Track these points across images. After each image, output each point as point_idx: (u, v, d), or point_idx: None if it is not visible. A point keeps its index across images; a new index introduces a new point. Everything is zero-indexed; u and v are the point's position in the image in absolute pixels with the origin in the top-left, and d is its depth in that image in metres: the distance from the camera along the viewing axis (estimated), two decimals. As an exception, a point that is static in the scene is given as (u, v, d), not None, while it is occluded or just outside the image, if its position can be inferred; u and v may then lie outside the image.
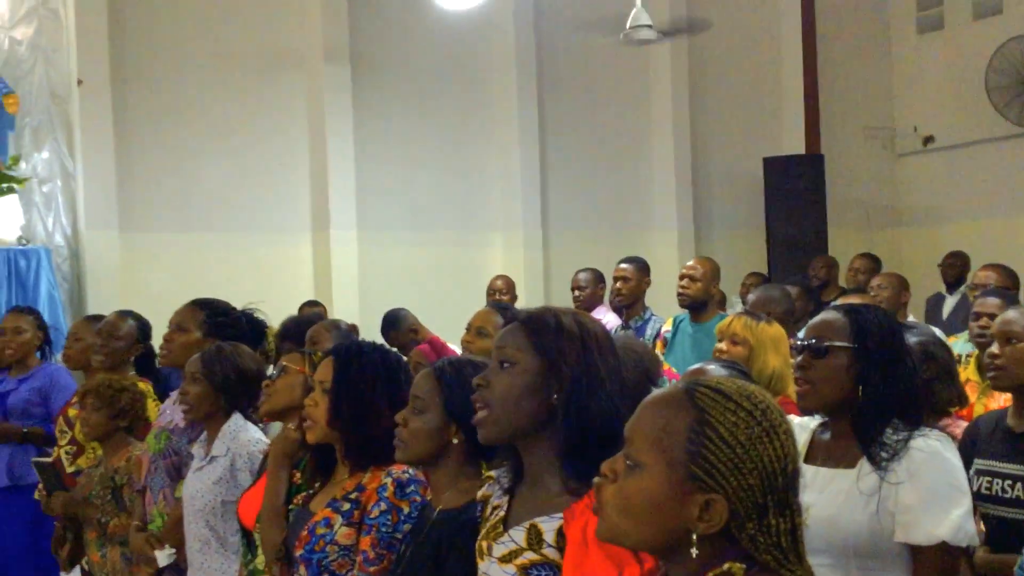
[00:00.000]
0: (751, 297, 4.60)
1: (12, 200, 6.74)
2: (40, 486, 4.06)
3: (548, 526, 1.73)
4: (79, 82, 7.22)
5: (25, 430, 4.64)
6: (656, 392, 1.41)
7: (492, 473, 1.91)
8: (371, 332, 5.20)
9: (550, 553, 1.72)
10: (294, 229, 8.08)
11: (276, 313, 4.31)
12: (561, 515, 1.71)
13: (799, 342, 2.30)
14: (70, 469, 4.05)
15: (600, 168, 9.27)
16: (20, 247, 6.63)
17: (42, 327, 4.88)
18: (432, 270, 8.37)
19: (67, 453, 4.11)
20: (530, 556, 1.74)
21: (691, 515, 1.30)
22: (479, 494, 1.94)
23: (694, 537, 1.30)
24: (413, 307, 5.83)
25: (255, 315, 3.74)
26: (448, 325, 5.51)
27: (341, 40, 8.04)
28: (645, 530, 1.32)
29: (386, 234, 8.27)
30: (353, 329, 4.74)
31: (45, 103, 7.24)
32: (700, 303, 4.96)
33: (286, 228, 8.05)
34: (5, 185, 6.52)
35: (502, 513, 1.83)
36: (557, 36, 8.92)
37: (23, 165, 6.90)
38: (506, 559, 1.77)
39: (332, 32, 8.01)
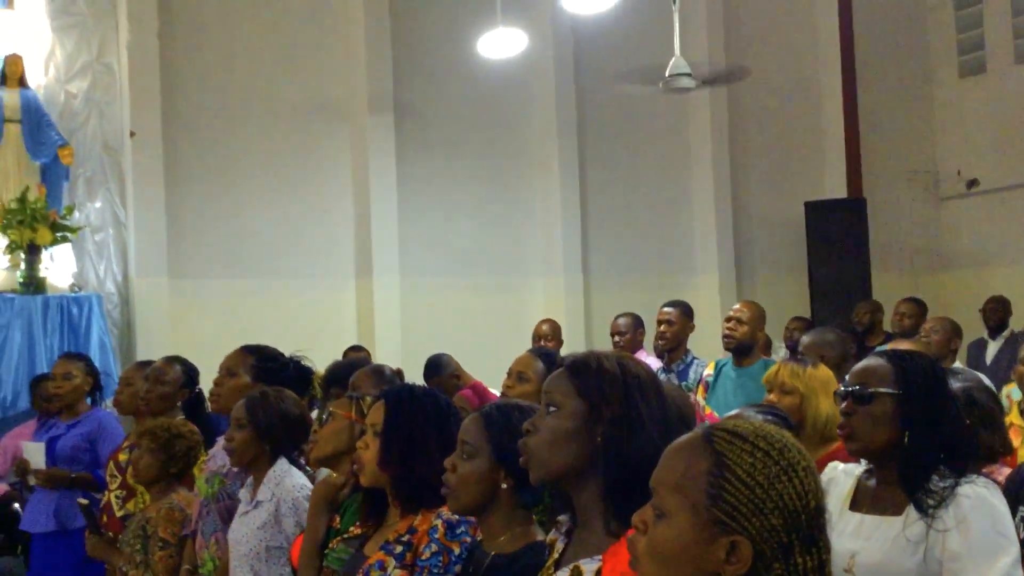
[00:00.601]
0: (805, 339, 4.56)
1: (66, 248, 6.91)
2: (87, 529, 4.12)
3: (588, 567, 1.74)
4: (131, 134, 7.44)
5: (73, 475, 4.69)
6: (676, 440, 1.43)
7: (562, 518, 1.91)
8: (414, 376, 5.22)
9: None
10: (338, 275, 8.20)
11: (321, 358, 4.37)
12: (600, 557, 1.73)
13: (843, 388, 2.31)
14: (119, 513, 4.09)
15: (640, 213, 9.31)
16: (73, 294, 6.77)
17: (92, 372, 4.93)
18: (474, 315, 8.42)
19: (117, 497, 4.16)
20: (570, 596, 1.76)
21: (718, 559, 1.31)
22: (548, 538, 1.94)
23: None
24: (455, 352, 5.86)
25: (302, 361, 3.78)
26: (490, 370, 5.53)
27: (385, 90, 8.21)
28: None
29: (428, 280, 8.36)
30: (398, 374, 4.77)
31: (98, 154, 7.46)
32: (746, 347, 4.93)
33: (330, 274, 8.16)
34: (59, 234, 6.68)
35: (556, 555, 1.85)
36: (597, 84, 9.02)
37: (77, 214, 7.09)
38: (550, 599, 1.79)
39: (376, 82, 8.18)
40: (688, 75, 6.05)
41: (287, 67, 8.09)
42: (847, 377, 2.34)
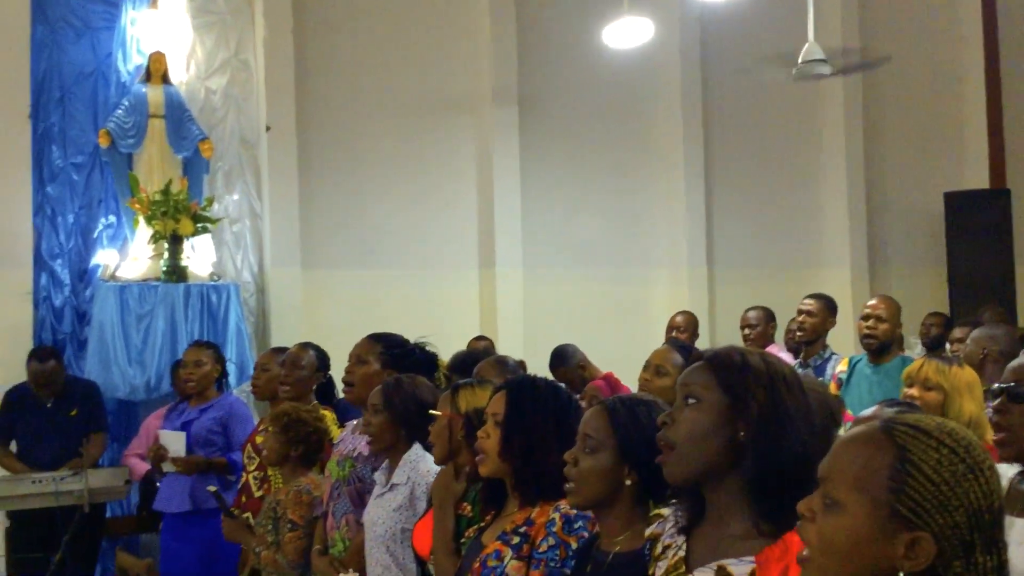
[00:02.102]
0: (975, 333, 4.34)
1: (206, 239, 7.18)
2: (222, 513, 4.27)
3: (738, 570, 1.68)
4: (267, 129, 7.66)
5: (209, 461, 4.89)
6: (852, 431, 1.40)
7: (663, 511, 1.87)
8: (535, 367, 5.25)
9: None
10: (462, 266, 8.28)
11: (444, 346, 4.43)
12: (752, 558, 1.67)
13: (997, 385, 2.20)
14: (258, 494, 4.25)
15: (768, 204, 9.09)
16: (212, 283, 7.02)
17: (220, 360, 5.12)
18: (596, 307, 8.39)
19: (255, 479, 4.32)
20: (718, 597, 1.71)
21: (897, 553, 1.29)
22: (647, 532, 1.89)
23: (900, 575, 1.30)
24: (576, 343, 5.86)
25: (426, 348, 3.85)
26: (612, 362, 5.50)
27: (509, 82, 8.24)
28: (850, 569, 1.32)
29: (551, 271, 8.36)
30: (521, 365, 4.80)
31: (236, 148, 7.72)
32: (887, 345, 4.76)
33: (455, 265, 8.25)
34: (200, 225, 6.94)
35: (682, 553, 1.78)
36: (724, 73, 8.85)
37: (216, 206, 7.35)
38: (692, 600, 1.74)
39: (501, 75, 8.21)
40: (823, 61, 5.86)
41: (414, 62, 8.21)
42: (1004, 374, 2.23)
